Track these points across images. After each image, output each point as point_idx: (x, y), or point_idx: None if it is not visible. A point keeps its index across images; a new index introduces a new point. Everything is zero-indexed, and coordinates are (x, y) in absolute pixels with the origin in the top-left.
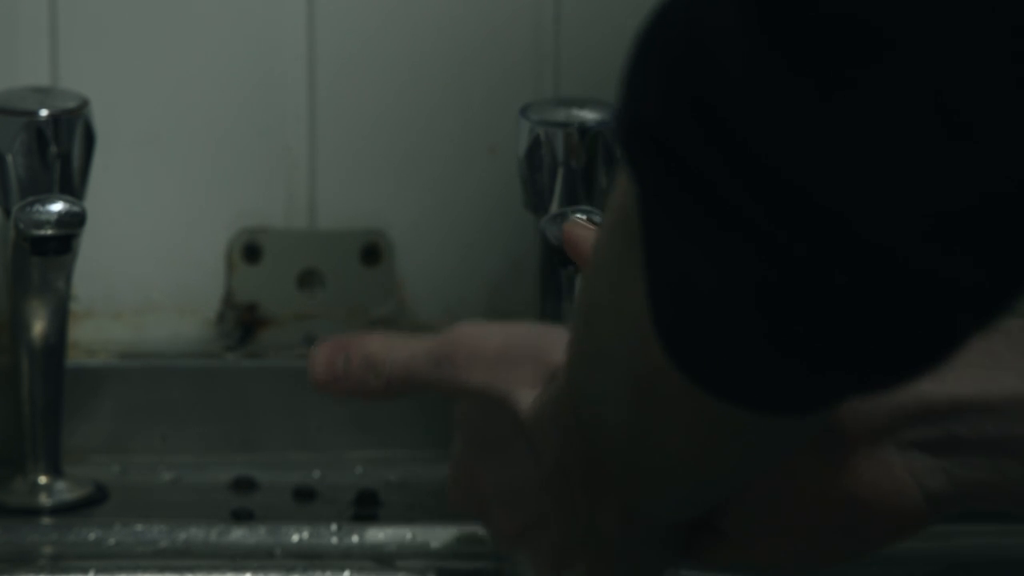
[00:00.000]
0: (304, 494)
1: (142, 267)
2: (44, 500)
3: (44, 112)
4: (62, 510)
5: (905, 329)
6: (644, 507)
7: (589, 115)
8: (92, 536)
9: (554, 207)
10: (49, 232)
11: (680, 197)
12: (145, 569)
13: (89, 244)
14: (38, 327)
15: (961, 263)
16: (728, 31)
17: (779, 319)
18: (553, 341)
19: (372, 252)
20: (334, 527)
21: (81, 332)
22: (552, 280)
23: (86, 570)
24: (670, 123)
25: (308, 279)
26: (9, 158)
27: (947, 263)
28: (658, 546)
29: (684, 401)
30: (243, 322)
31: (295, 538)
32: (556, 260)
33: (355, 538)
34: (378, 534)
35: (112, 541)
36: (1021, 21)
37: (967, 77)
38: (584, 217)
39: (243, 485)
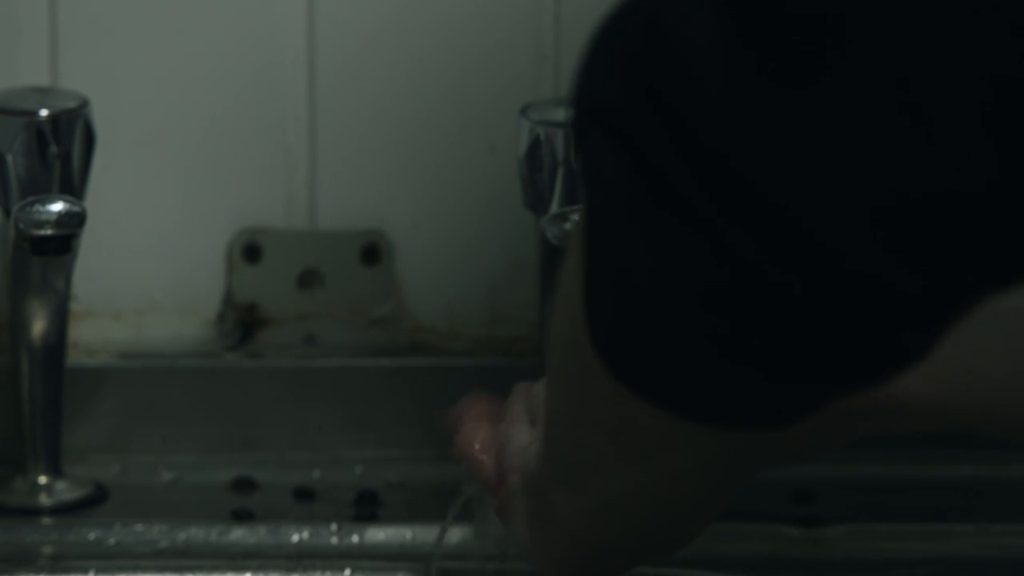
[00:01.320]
0: (304, 494)
1: (142, 267)
2: (44, 500)
3: (44, 112)
4: (62, 510)
5: (850, 334)
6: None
7: None
8: (92, 536)
9: (554, 207)
10: (49, 232)
11: (629, 182)
12: (145, 569)
13: (89, 244)
14: (38, 327)
15: (904, 268)
16: (688, 21)
17: (723, 319)
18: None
19: (372, 252)
20: (334, 527)
21: (81, 332)
22: (552, 280)
23: (86, 570)
24: (625, 108)
25: (308, 279)
26: (9, 158)
27: (890, 266)
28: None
29: (616, 409)
30: (243, 322)
31: (295, 538)
32: (556, 260)
33: (355, 538)
34: (378, 534)
35: (112, 541)
36: (985, 18)
37: (929, 70)
38: None
39: (243, 485)
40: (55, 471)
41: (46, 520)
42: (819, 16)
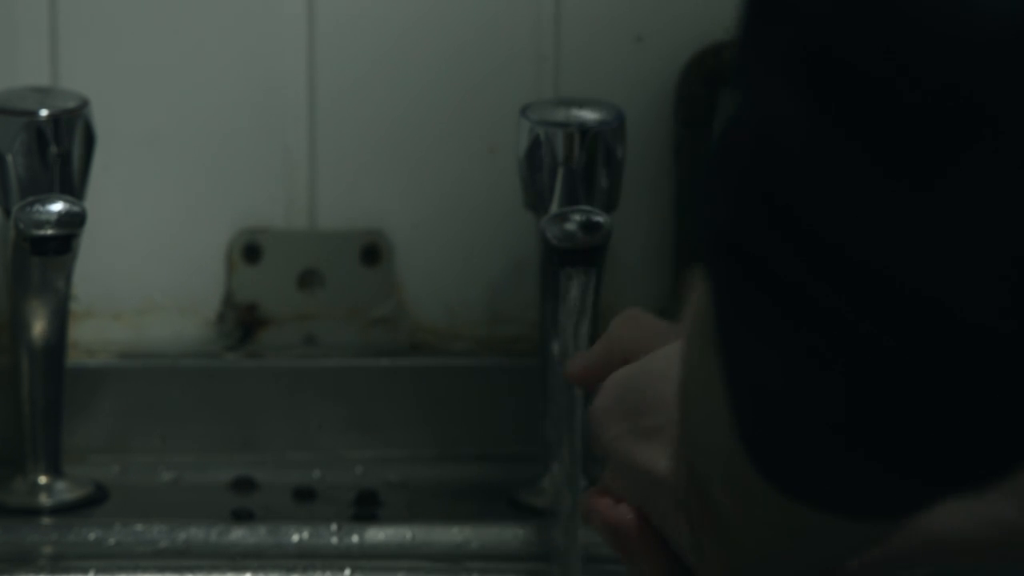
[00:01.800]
0: (304, 494)
1: (142, 267)
2: (44, 500)
3: (44, 112)
4: (62, 510)
5: (1005, 419)
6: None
7: (589, 115)
8: (92, 536)
9: (554, 207)
10: (49, 232)
11: (757, 299)
12: (145, 569)
13: (89, 244)
14: (38, 327)
15: None
16: (800, 126)
17: (870, 421)
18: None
19: (372, 252)
20: (334, 527)
21: (81, 332)
22: (552, 280)
23: (86, 570)
24: (743, 224)
25: (308, 279)
26: (9, 158)
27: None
28: None
29: (778, 510)
30: (243, 322)
31: (295, 538)
32: (556, 260)
33: (355, 538)
34: (378, 534)
35: (112, 541)
36: None
37: None
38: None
39: (243, 485)
40: (55, 471)
41: (46, 520)
42: (948, 105)
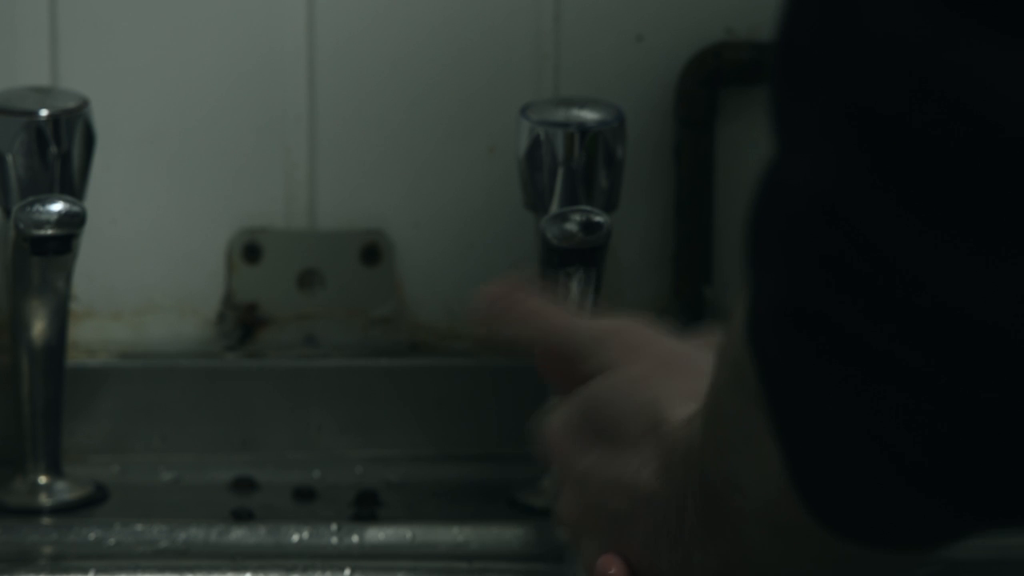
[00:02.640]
0: (304, 494)
1: (142, 267)
2: (44, 500)
3: (44, 112)
4: (62, 510)
5: None
6: None
7: (589, 115)
8: (92, 536)
9: (554, 207)
10: (49, 232)
11: (819, 362)
12: (145, 569)
13: (89, 244)
14: (38, 327)
15: None
16: (845, 185)
17: (945, 469)
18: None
19: (372, 252)
20: (334, 527)
21: (81, 332)
22: (552, 280)
23: (86, 570)
24: (807, 289)
25: (308, 279)
26: (9, 158)
27: None
28: None
29: (819, 543)
30: (243, 322)
31: (295, 538)
32: (556, 260)
33: (355, 538)
34: (378, 534)
35: (112, 541)
36: None
37: None
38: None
39: (243, 485)
40: (55, 471)
41: (46, 520)
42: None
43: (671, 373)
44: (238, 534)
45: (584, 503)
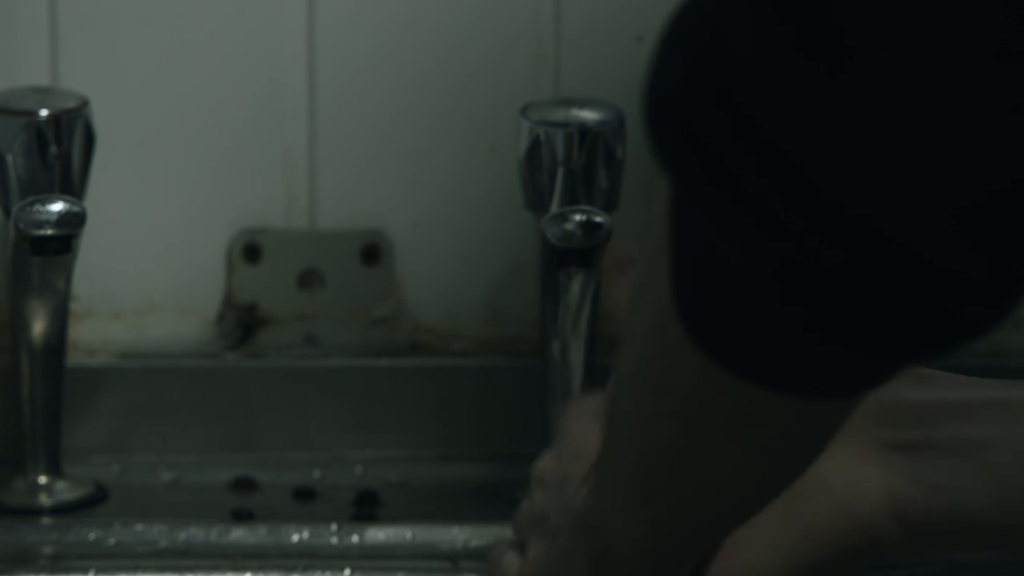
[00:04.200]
0: (304, 494)
1: (142, 267)
2: (44, 500)
3: (44, 112)
4: (62, 510)
5: (918, 316)
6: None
7: (589, 115)
8: (92, 536)
9: (554, 207)
10: (49, 232)
11: (700, 178)
12: (145, 569)
13: (89, 244)
14: (38, 327)
15: (966, 257)
16: (743, 18)
17: (800, 301)
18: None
19: (372, 252)
20: (334, 527)
21: (81, 332)
22: (552, 280)
23: (86, 570)
24: (692, 108)
25: (308, 279)
26: (9, 158)
27: (953, 255)
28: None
29: (701, 388)
30: (243, 322)
31: (295, 538)
32: (556, 260)
33: (355, 538)
34: (378, 534)
35: (112, 541)
36: None
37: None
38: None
39: (243, 485)
40: (55, 471)
41: (46, 520)
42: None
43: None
44: (238, 534)
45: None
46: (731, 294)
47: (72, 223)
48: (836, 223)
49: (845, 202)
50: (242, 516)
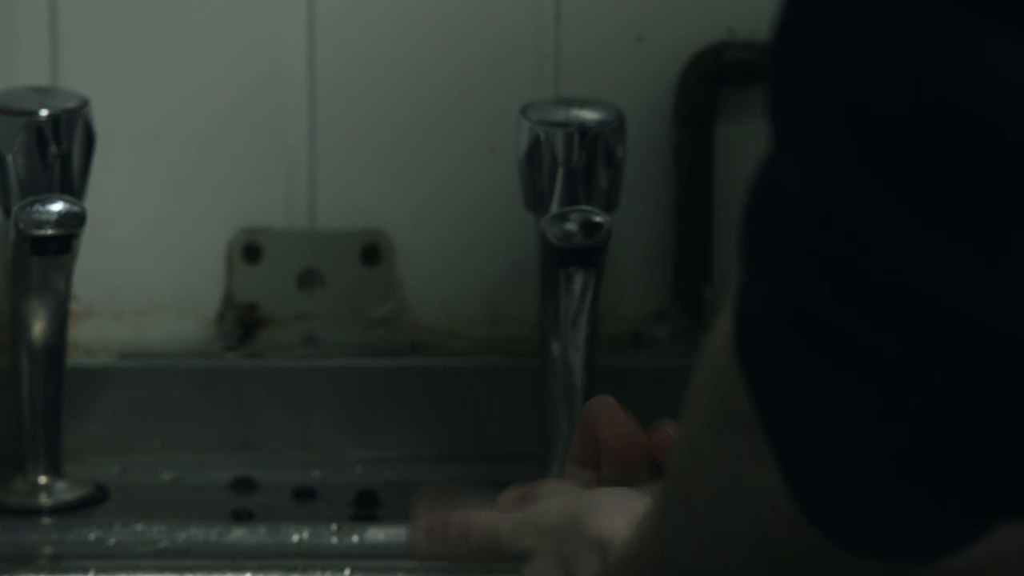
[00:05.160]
0: (304, 494)
1: (142, 267)
2: (44, 500)
3: (44, 112)
4: (62, 510)
5: None
6: None
7: (589, 115)
8: (92, 536)
9: (554, 207)
10: (49, 232)
11: (821, 363)
12: (145, 569)
13: (89, 244)
14: (38, 327)
15: None
16: (842, 187)
17: (940, 470)
18: (598, 516)
19: (372, 252)
20: (334, 527)
21: (81, 332)
22: (552, 280)
23: (86, 570)
24: (805, 293)
25: (308, 279)
26: (9, 158)
27: None
28: None
29: (820, 560)
30: (243, 322)
31: (295, 538)
32: (556, 260)
33: (355, 538)
34: (378, 534)
35: (112, 541)
36: None
37: None
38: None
39: (243, 485)
40: (55, 471)
41: (46, 520)
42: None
43: (573, 537)
44: (238, 534)
45: None
46: (846, 474)
47: (72, 223)
48: (1012, 376)
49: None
50: (242, 516)
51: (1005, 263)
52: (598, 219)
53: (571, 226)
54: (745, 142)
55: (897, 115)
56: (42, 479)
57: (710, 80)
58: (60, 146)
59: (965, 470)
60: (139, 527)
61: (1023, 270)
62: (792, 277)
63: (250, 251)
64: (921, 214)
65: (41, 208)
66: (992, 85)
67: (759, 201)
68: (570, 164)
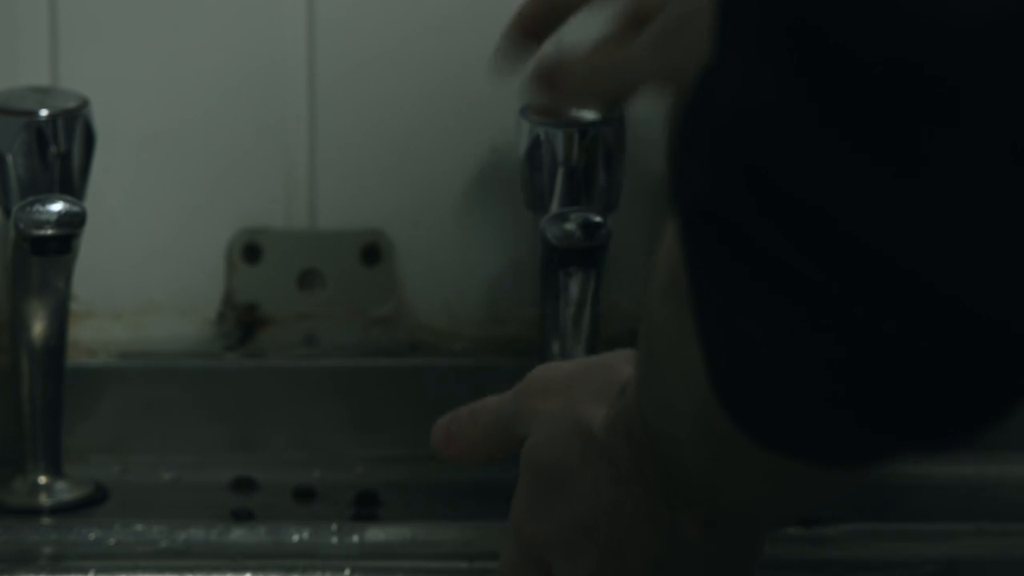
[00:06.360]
0: (304, 494)
1: (142, 267)
2: (44, 500)
3: (44, 112)
4: (62, 510)
5: (986, 386)
6: (726, 519)
7: (589, 115)
8: (92, 536)
9: (554, 207)
10: (49, 232)
11: (734, 267)
12: (145, 569)
13: (89, 244)
14: (38, 327)
15: None
16: (780, 100)
17: (853, 390)
18: (620, 361)
19: (372, 252)
20: (334, 527)
21: (81, 332)
22: (552, 280)
23: (86, 570)
24: (721, 192)
25: (308, 279)
26: (9, 158)
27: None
28: (743, 555)
29: (748, 449)
30: (243, 322)
31: (295, 538)
32: (556, 260)
33: (355, 538)
34: (378, 534)
35: (112, 541)
36: None
37: None
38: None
39: (243, 485)
40: (55, 471)
41: (46, 520)
42: (909, 75)
43: (582, 387)
44: (238, 534)
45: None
46: (774, 387)
47: (72, 223)
48: (914, 303)
49: (924, 281)
50: (242, 516)
51: (921, 191)
52: (598, 219)
53: (571, 226)
54: None
55: (848, 47)
56: (42, 479)
57: None
58: (60, 146)
59: (878, 390)
60: (139, 527)
61: (938, 200)
62: (717, 180)
63: (250, 251)
64: (850, 137)
65: (41, 208)
66: (943, 36)
67: (695, 104)
68: (570, 164)
